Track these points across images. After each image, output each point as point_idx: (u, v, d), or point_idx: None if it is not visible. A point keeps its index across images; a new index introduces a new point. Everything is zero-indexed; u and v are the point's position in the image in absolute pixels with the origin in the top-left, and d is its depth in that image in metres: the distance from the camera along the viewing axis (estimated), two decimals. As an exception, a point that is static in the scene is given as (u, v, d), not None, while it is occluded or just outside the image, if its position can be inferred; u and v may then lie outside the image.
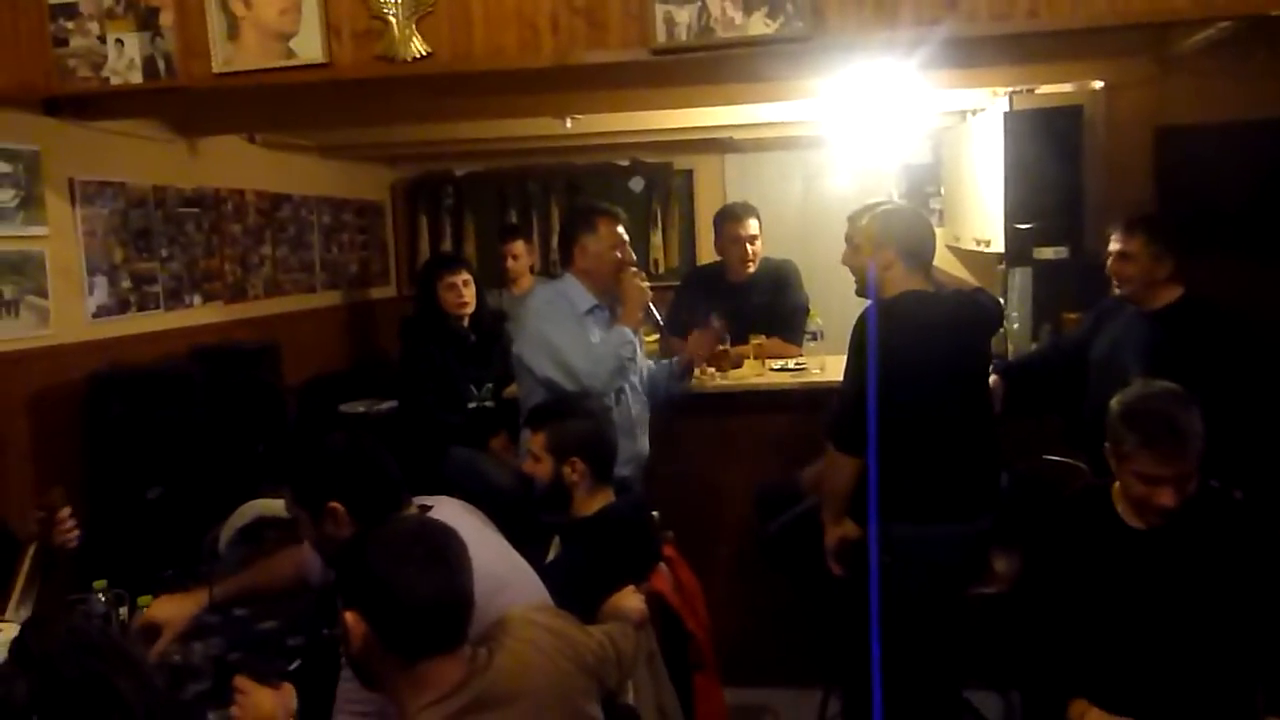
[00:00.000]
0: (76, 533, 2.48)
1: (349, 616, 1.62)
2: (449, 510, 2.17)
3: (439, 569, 1.64)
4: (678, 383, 3.52)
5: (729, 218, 4.40)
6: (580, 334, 3.20)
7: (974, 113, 4.84)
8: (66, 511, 2.49)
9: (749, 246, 4.33)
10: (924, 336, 2.74)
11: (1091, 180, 4.17)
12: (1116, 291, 3.28)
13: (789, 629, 3.55)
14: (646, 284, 3.27)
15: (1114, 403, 2.30)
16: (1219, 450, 2.32)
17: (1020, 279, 4.20)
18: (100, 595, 2.39)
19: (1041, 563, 2.43)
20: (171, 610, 2.32)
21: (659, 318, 3.57)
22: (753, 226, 4.34)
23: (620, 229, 3.30)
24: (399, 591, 1.60)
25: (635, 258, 3.34)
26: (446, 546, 1.68)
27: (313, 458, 2.18)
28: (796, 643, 3.52)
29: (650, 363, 3.55)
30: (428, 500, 2.19)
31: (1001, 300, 4.08)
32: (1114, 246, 3.24)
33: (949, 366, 2.77)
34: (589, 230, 3.27)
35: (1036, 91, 4.29)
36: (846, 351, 2.83)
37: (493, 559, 2.10)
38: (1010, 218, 4.16)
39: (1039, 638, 2.36)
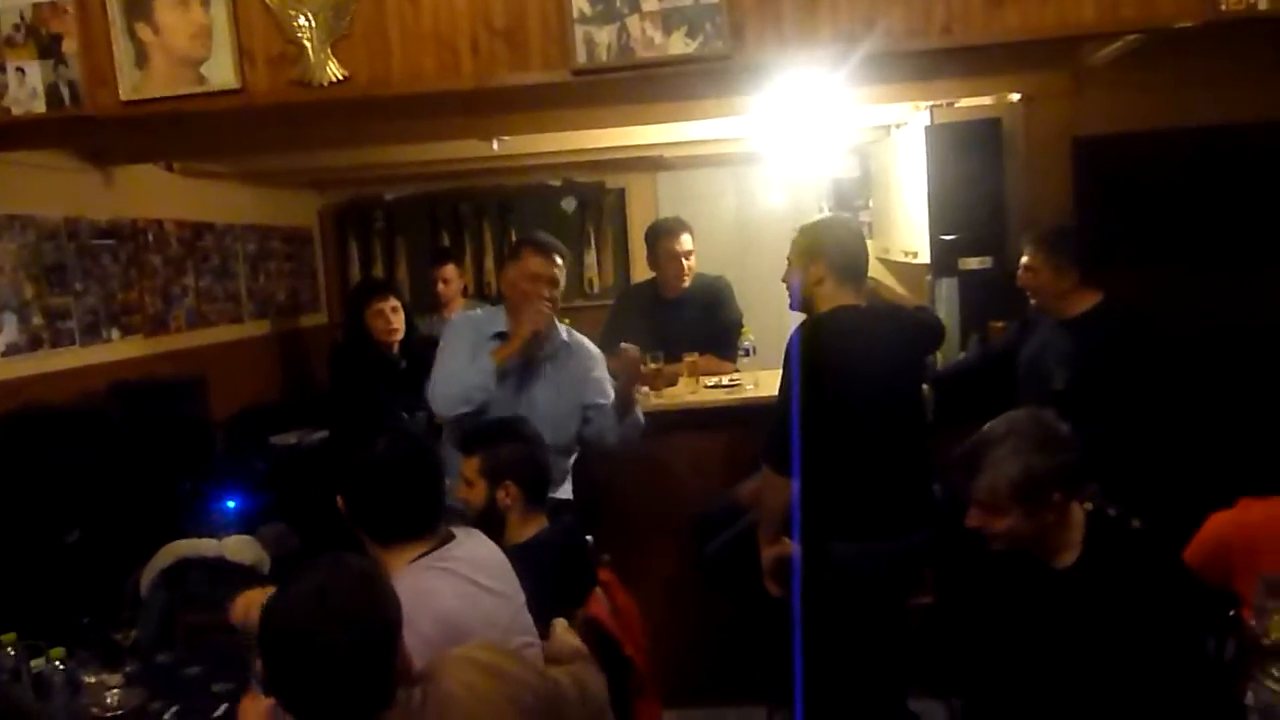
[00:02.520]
0: None
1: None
2: (467, 545, 2.15)
3: (346, 635, 1.55)
4: (620, 423, 3.29)
5: (663, 233, 4.40)
6: (459, 355, 3.20)
7: (897, 126, 4.91)
8: None
9: (684, 262, 4.33)
10: (853, 353, 2.75)
11: (1013, 191, 4.25)
12: (1033, 301, 3.36)
13: (730, 647, 3.54)
14: (546, 312, 3.17)
15: None
16: (1129, 456, 2.33)
17: (947, 289, 4.25)
18: (9, 649, 2.29)
19: (960, 590, 2.41)
20: None
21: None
22: (687, 242, 4.34)
23: (541, 262, 3.19)
24: (310, 669, 1.54)
25: (547, 295, 3.18)
26: (354, 605, 1.58)
27: (351, 452, 2.16)
28: (738, 660, 3.51)
29: (599, 410, 3.30)
30: (455, 530, 2.17)
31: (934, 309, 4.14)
32: (1022, 260, 3.33)
33: (878, 383, 2.77)
34: (513, 257, 3.28)
35: (956, 105, 4.36)
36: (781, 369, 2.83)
37: (498, 606, 2.10)
38: (935, 229, 4.22)
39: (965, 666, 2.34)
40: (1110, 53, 3.15)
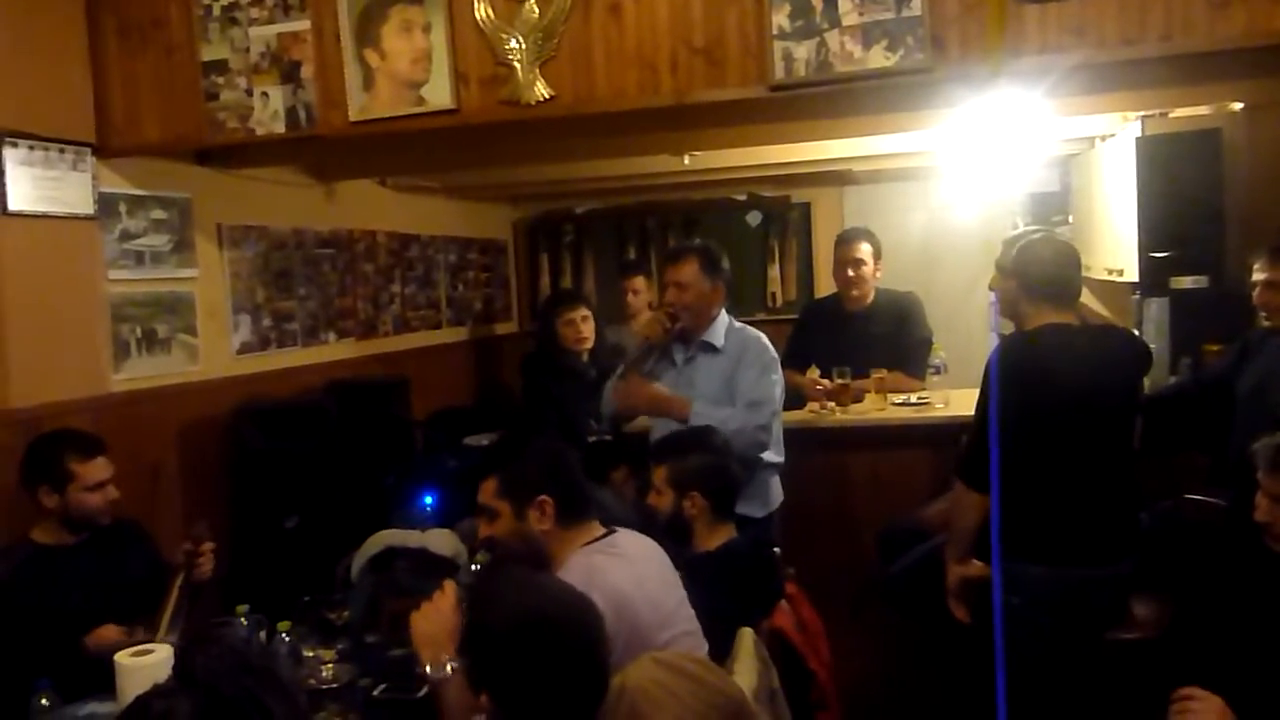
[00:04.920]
0: (209, 567, 2.64)
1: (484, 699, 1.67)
2: (629, 539, 2.27)
3: (575, 657, 1.64)
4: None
5: (840, 241, 4.40)
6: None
7: (1103, 138, 4.69)
8: (209, 546, 2.64)
9: (852, 270, 4.27)
10: (1054, 371, 2.65)
11: (1232, 205, 3.98)
12: (1265, 322, 3.13)
13: (914, 669, 3.46)
14: (654, 319, 3.46)
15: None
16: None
17: (1156, 309, 4.03)
18: (242, 619, 2.51)
19: (1192, 605, 2.32)
20: None
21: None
22: (860, 250, 4.28)
23: (666, 269, 3.48)
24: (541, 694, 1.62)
25: (670, 300, 3.42)
26: (580, 629, 1.67)
27: (531, 453, 2.30)
28: (922, 683, 3.42)
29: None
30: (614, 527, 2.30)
31: (1136, 331, 3.93)
32: (1259, 276, 3.11)
33: (1084, 403, 2.65)
34: None
35: (1170, 115, 4.13)
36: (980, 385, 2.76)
37: (662, 593, 2.18)
38: (1145, 246, 4.00)
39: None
40: (1350, 57, 2.92)
